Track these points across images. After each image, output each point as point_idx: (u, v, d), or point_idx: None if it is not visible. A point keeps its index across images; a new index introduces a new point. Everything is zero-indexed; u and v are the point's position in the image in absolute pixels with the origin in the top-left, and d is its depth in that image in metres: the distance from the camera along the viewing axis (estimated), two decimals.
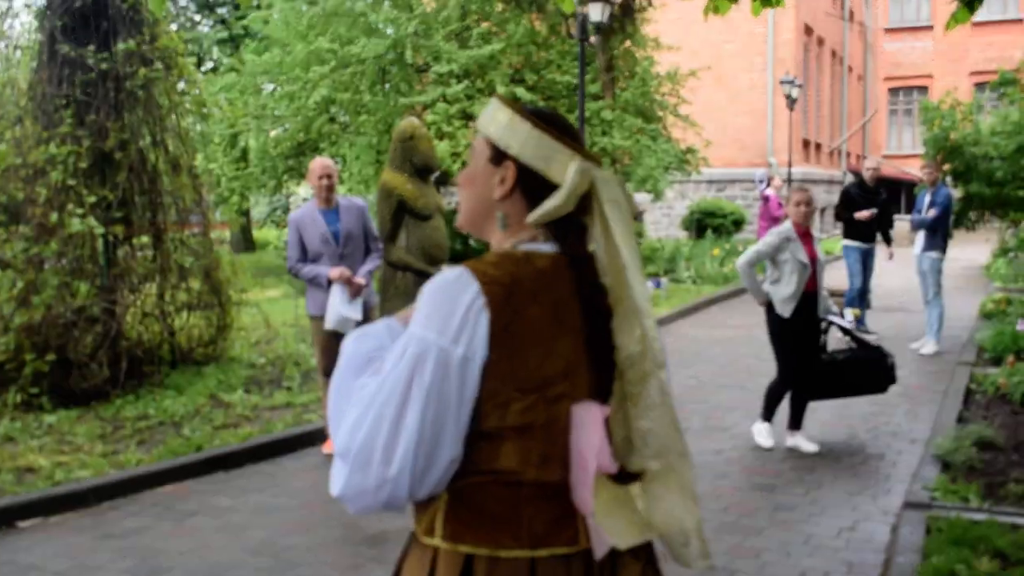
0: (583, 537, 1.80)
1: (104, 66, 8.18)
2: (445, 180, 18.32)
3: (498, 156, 1.90)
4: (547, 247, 1.88)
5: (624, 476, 1.88)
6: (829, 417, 7.95)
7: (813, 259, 6.91)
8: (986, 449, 6.53)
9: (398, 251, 10.37)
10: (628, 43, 20.41)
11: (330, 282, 6.69)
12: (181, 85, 9.31)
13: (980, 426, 6.82)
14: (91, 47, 8.17)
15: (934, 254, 10.90)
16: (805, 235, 6.96)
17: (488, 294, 1.75)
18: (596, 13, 14.83)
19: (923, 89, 41.30)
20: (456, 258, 19.59)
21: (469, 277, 1.76)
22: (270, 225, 24.88)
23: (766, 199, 16.98)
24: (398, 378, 1.72)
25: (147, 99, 8.57)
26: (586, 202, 1.87)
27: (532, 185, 1.88)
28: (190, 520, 5.69)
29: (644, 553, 1.90)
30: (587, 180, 1.84)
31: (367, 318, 6.98)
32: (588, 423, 1.81)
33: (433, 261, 11.45)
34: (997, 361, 9.67)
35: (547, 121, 1.89)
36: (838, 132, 37.24)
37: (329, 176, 6.95)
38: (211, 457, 6.71)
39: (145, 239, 8.94)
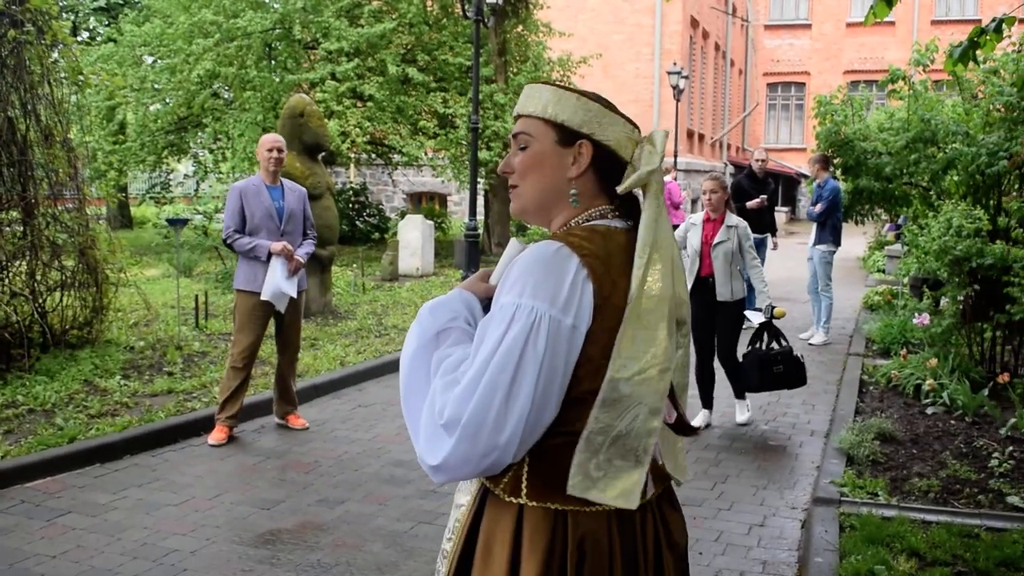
0: (648, 489, 1.95)
1: None
2: (333, 159, 17.86)
3: (569, 136, 1.97)
4: (618, 223, 1.98)
5: (681, 426, 2.08)
6: (727, 407, 7.91)
7: (706, 244, 7.21)
8: (886, 442, 6.56)
9: None
10: (520, 27, 20.26)
11: (270, 256, 6.73)
12: (56, 55, 8.71)
13: (879, 420, 6.84)
14: None
15: (823, 247, 11.11)
16: (713, 221, 7.28)
17: (588, 267, 1.83)
18: None
19: (800, 85, 42.43)
20: (344, 239, 19.17)
21: (569, 250, 1.84)
22: (149, 202, 23.88)
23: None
24: (511, 347, 1.76)
25: (16, 64, 7.97)
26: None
27: (605, 160, 1.98)
28: (62, 519, 5.26)
29: (676, 502, 2.10)
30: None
31: (298, 299, 7.07)
32: None
33: (322, 242, 11.07)
34: (886, 352, 9.83)
35: (599, 99, 1.99)
36: (720, 124, 37.86)
37: (279, 150, 6.96)
38: (86, 449, 6.23)
39: (14, 214, 8.34)
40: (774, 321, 7.26)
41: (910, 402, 7.85)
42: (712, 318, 7.27)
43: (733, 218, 7.25)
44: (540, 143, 1.98)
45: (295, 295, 6.88)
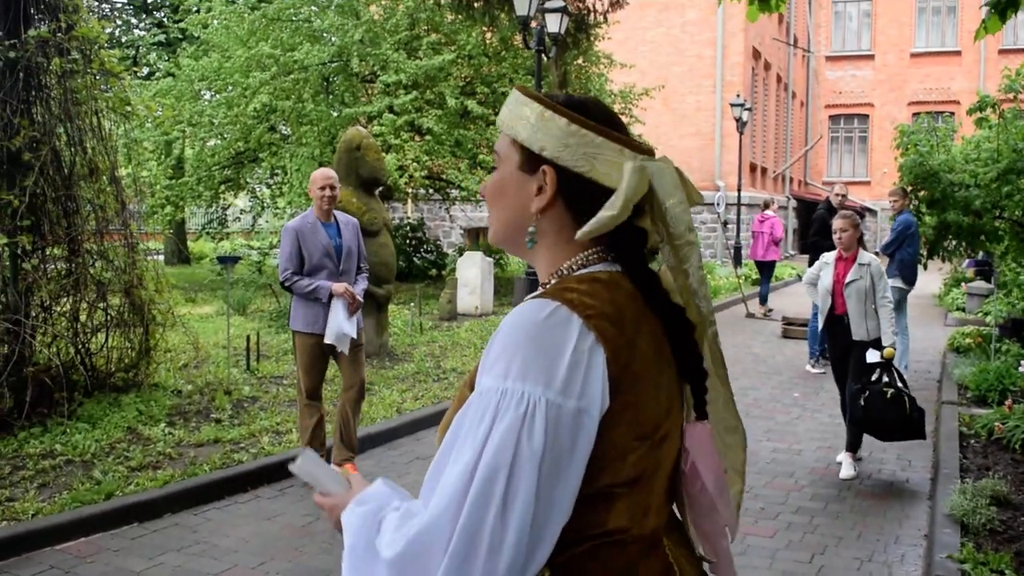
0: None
1: (12, 55, 7.22)
2: (390, 194, 17.50)
3: (532, 161, 1.60)
4: (617, 267, 1.59)
5: None
6: (815, 462, 7.28)
7: (838, 283, 7.18)
8: (1001, 507, 5.86)
9: None
10: (581, 59, 19.83)
11: (330, 297, 6.50)
12: (109, 92, 8.37)
13: (991, 481, 6.13)
14: None
15: (889, 282, 10.46)
16: (845, 260, 7.24)
17: (596, 329, 1.44)
18: (554, 24, 14.17)
19: (864, 117, 41.49)
20: (401, 276, 18.76)
21: (566, 311, 1.44)
22: (206, 237, 23.75)
23: (763, 220, 16.47)
24: (500, 448, 1.35)
25: (63, 94, 7.62)
26: (641, 203, 1.56)
27: (576, 192, 1.58)
28: None
29: None
30: (645, 179, 1.54)
31: (357, 335, 6.74)
32: (706, 441, 1.62)
33: (379, 280, 10.60)
34: (981, 400, 9.09)
35: (584, 112, 1.58)
36: (782, 157, 37.08)
37: (332, 187, 6.67)
38: (124, 506, 5.75)
39: (58, 251, 7.97)
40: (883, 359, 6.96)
41: (1018, 458, 7.13)
42: (848, 357, 7.16)
43: (866, 256, 7.18)
44: (504, 166, 1.65)
45: (355, 335, 6.61)
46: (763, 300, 17.32)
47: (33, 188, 7.31)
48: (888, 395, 6.66)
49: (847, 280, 7.09)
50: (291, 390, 8.94)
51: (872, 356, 6.93)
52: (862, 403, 6.77)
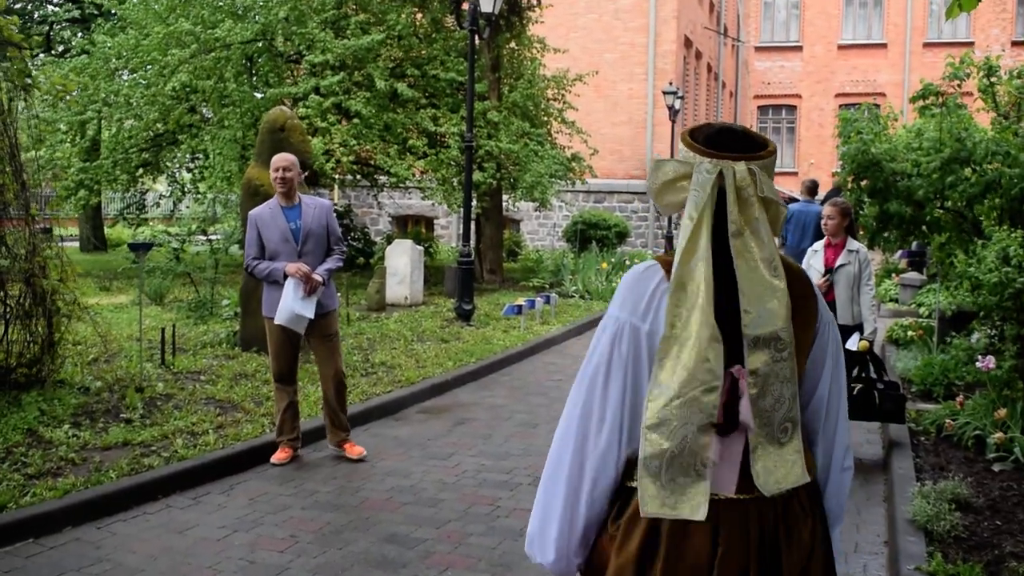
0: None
1: None
2: (316, 180, 16.85)
3: None
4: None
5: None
6: None
7: (827, 268, 7.34)
8: (963, 511, 5.57)
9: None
10: (513, 43, 19.37)
11: (285, 277, 6.48)
12: (7, 63, 7.70)
13: (952, 483, 5.84)
14: None
15: None
16: (834, 246, 7.41)
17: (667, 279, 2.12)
18: (487, 3, 13.70)
19: (791, 108, 41.74)
20: None
21: (657, 267, 2.15)
22: (123, 223, 22.80)
23: None
24: (601, 354, 2.11)
25: None
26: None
27: None
28: None
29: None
30: (673, 180, 2.11)
31: (326, 321, 6.75)
32: None
33: None
34: (927, 395, 8.89)
35: (695, 134, 2.13)
36: None
37: (286, 170, 6.61)
38: (18, 520, 5.18)
39: None
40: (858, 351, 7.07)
41: (971, 457, 6.88)
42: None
43: (854, 243, 7.37)
44: None
45: (312, 316, 6.54)
46: None
47: None
48: (854, 391, 6.65)
49: (836, 265, 7.29)
50: (208, 387, 8.39)
51: (851, 343, 6.94)
52: None
